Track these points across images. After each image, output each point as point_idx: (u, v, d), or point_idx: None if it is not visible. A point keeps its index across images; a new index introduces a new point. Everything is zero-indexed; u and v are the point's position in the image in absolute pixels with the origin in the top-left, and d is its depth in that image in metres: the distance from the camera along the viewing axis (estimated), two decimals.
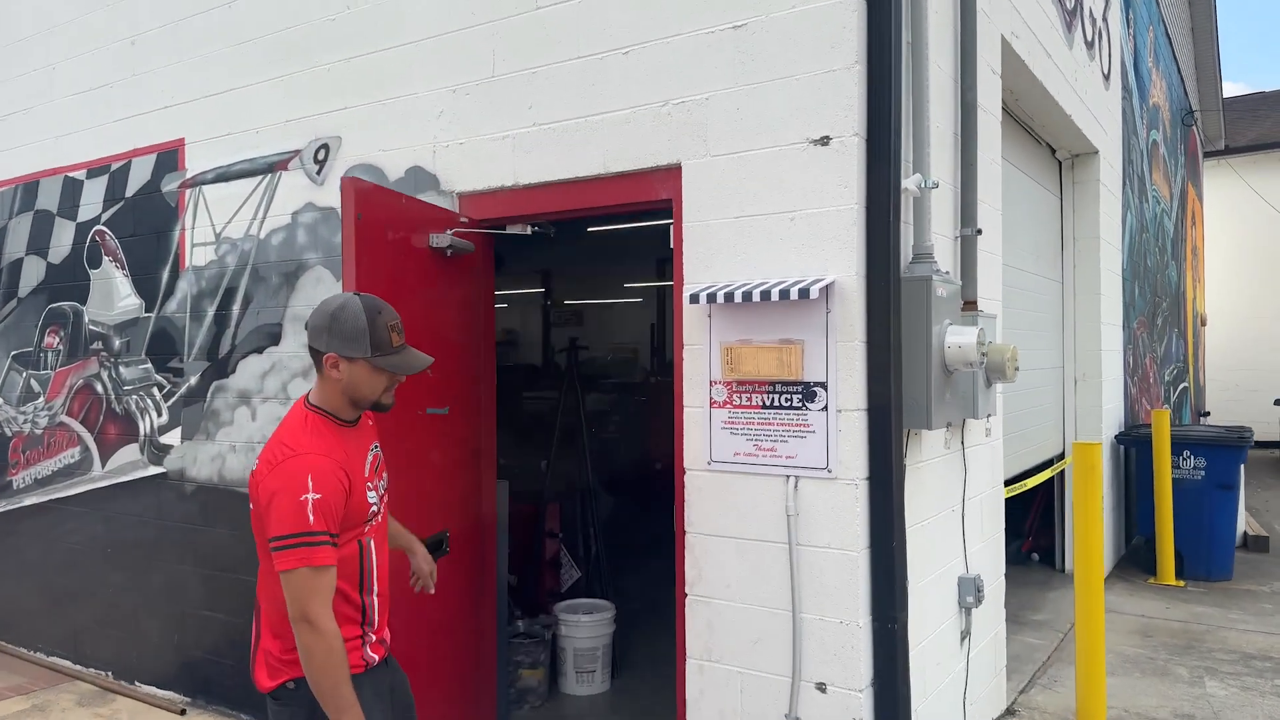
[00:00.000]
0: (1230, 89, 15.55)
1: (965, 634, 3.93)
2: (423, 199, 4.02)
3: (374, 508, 2.44)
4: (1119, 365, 7.95)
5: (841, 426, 3.02)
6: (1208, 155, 16.51)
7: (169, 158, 5.17)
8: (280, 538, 2.20)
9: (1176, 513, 7.24)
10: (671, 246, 3.45)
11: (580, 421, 5.72)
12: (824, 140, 3.07)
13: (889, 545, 3.03)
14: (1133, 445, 7.77)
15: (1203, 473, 7.34)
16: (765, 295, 3.00)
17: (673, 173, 3.41)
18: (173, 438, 5.12)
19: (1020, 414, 5.72)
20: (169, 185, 5.15)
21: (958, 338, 3.24)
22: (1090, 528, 4.30)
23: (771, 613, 3.15)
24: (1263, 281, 17.13)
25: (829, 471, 3.04)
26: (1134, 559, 7.84)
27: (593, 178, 3.60)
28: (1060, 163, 7.29)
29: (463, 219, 3.80)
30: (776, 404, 3.13)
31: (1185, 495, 7.32)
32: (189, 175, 5.06)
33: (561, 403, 5.78)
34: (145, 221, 5.29)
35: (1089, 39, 6.78)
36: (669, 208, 3.44)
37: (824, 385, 3.05)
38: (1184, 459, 7.41)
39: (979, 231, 3.92)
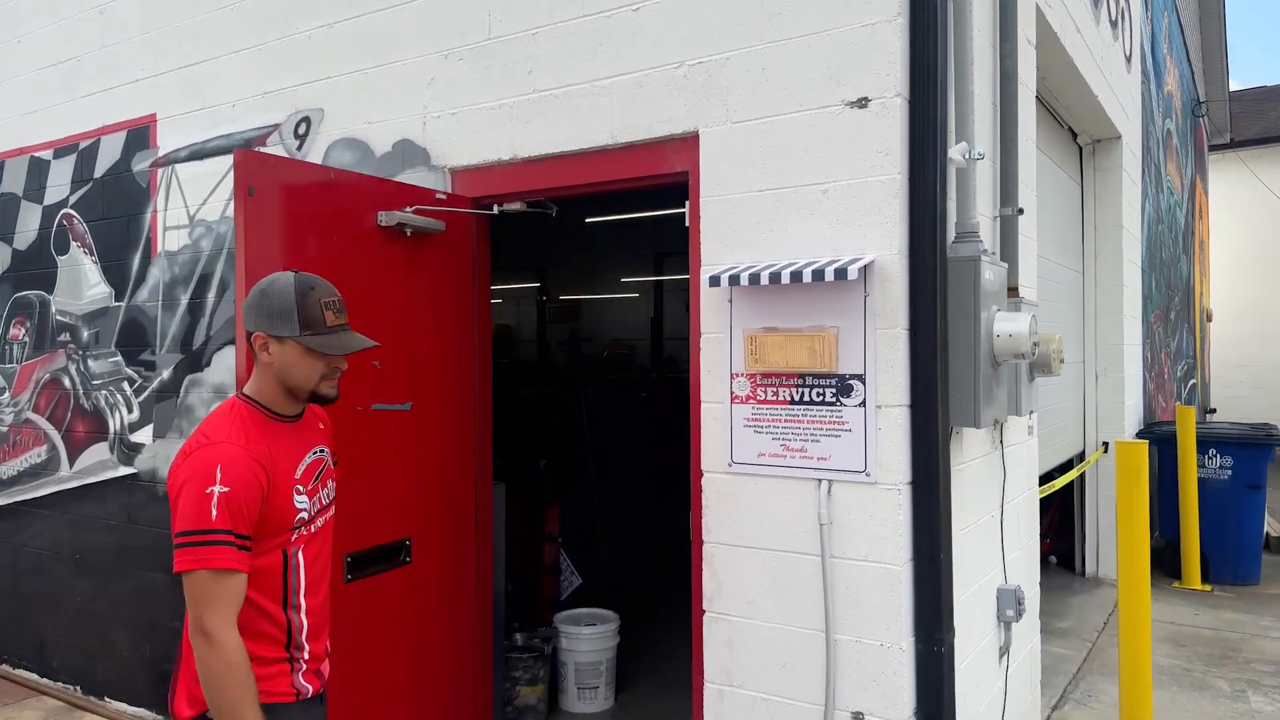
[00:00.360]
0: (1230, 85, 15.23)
1: (1004, 650, 3.61)
2: (411, 175, 3.68)
3: (303, 514, 2.16)
4: (1139, 360, 7.65)
5: (881, 424, 2.69)
6: (1213, 148, 16.26)
7: (140, 135, 4.81)
8: (180, 534, 1.96)
9: (1201, 514, 6.94)
10: (687, 225, 3.11)
11: (582, 419, 5.38)
12: (862, 102, 2.74)
13: (934, 558, 2.70)
14: (1154, 443, 7.44)
15: (1229, 472, 7.04)
16: (796, 277, 2.66)
17: (689, 142, 3.07)
18: (144, 436, 4.77)
19: (1041, 411, 5.40)
20: (140, 164, 4.80)
21: (1008, 326, 2.91)
22: (1135, 534, 3.98)
23: (801, 633, 2.81)
24: (1268, 277, 16.87)
25: (867, 475, 2.70)
26: (1156, 562, 7.51)
27: (599, 149, 3.26)
28: (1081, 148, 6.97)
29: (439, 194, 3.43)
30: (807, 399, 2.80)
31: (1210, 495, 7.02)
32: (161, 153, 4.71)
33: (562, 399, 5.44)
34: (115, 204, 4.93)
35: (1113, 18, 6.47)
36: (684, 181, 3.11)
37: (861, 378, 2.71)
38: (1209, 458, 7.11)
39: (1020, 211, 3.59)
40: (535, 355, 17.47)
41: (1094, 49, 5.63)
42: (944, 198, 2.73)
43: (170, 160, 4.66)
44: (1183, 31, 11.70)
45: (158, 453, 4.69)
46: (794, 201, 2.84)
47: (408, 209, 3.24)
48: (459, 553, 3.55)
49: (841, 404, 2.74)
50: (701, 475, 3.02)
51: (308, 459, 2.21)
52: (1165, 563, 7.28)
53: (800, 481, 2.82)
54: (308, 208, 2.97)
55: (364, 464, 3.13)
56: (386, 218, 3.17)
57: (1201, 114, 12.85)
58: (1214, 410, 14.93)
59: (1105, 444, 7.05)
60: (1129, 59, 7.17)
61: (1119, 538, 4.05)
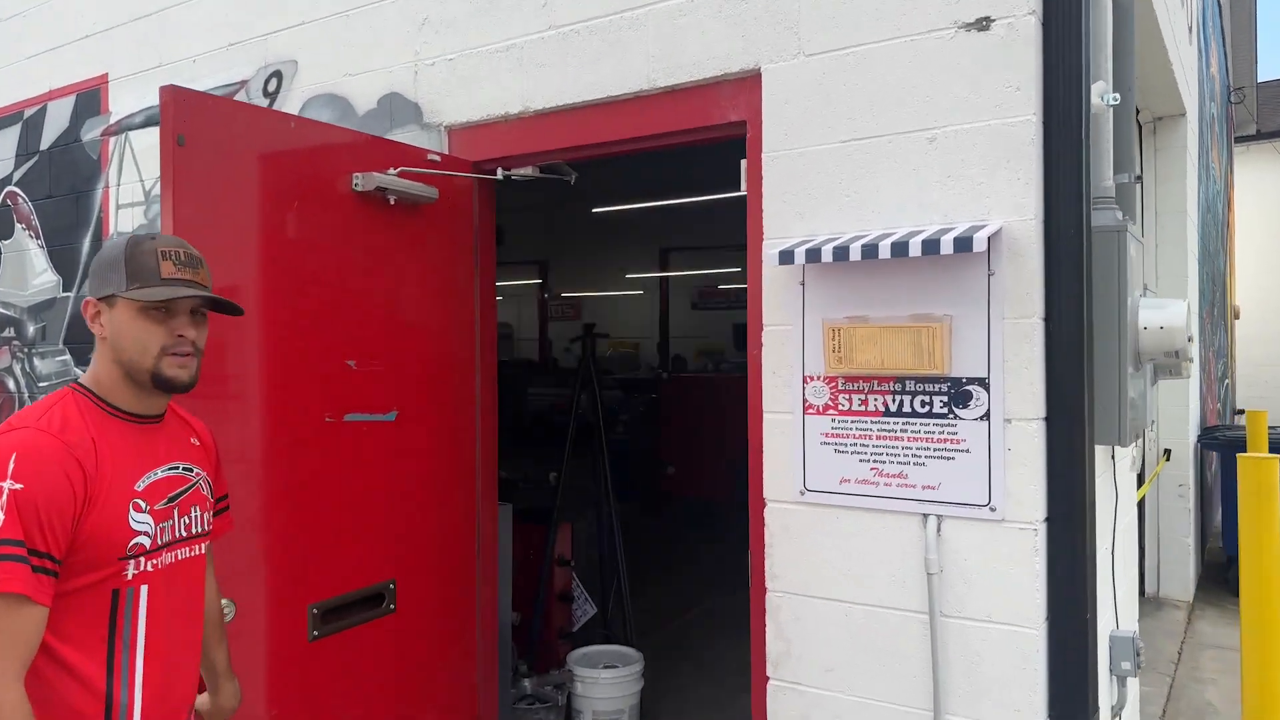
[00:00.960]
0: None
1: (1117, 711, 2.98)
2: (401, 135, 3.05)
3: (141, 539, 1.56)
4: (1198, 360, 7.04)
5: (1011, 443, 2.06)
6: (1239, 139, 15.69)
7: (90, 99, 4.18)
8: None
9: None
10: (744, 190, 2.48)
11: (598, 425, 4.75)
12: (982, 23, 2.10)
13: (1079, 617, 2.07)
14: (1218, 449, 6.83)
15: None
16: (899, 250, 2.03)
17: (747, 83, 2.43)
18: None
19: None
20: (90, 133, 4.17)
21: (1159, 316, 2.28)
22: (1266, 564, 3.36)
23: (900, 711, 2.18)
24: None
25: (991, 509, 2.07)
26: (1214, 579, 6.92)
27: (632, 97, 2.62)
28: (1140, 125, 6.34)
29: (432, 155, 2.80)
30: (908, 409, 2.16)
31: None
32: (113, 120, 4.08)
33: (574, 404, 4.81)
34: (63, 179, 4.30)
35: None
36: (740, 135, 2.47)
37: (983, 383, 2.08)
38: None
39: (1138, 178, 2.96)
40: (534, 353, 16.88)
41: (1170, 10, 5.01)
42: (1090, 147, 2.10)
43: (123, 127, 4.03)
44: (1221, 14, 11.13)
45: None
46: (888, 154, 2.21)
47: (391, 171, 2.60)
48: (456, 595, 2.91)
49: (956, 416, 2.11)
50: (763, 505, 2.39)
51: (159, 472, 1.62)
52: (1231, 580, 6.67)
53: (898, 516, 2.18)
54: (260, 165, 2.34)
55: (334, 491, 2.50)
56: (363, 180, 2.54)
57: (1239, 100, 12.24)
58: (1242, 411, 14.35)
59: (1168, 451, 6.43)
60: (1190, 30, 6.55)
61: (1242, 569, 3.43)
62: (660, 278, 15.64)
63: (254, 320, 2.31)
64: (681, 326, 15.72)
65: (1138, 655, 2.97)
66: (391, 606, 2.64)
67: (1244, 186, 16.18)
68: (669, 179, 8.26)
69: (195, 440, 1.77)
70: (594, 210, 9.89)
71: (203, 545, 1.71)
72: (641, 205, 9.47)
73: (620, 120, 2.65)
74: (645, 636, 4.82)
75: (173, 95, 2.18)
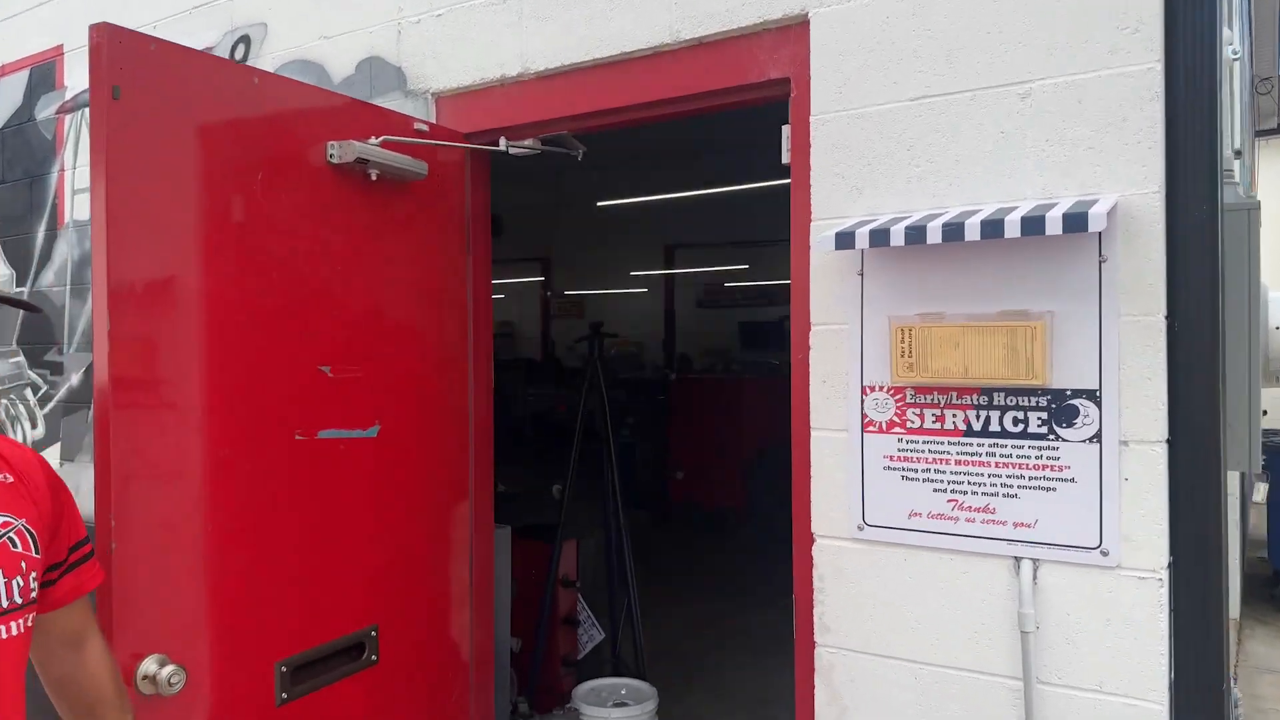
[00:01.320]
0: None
1: None
2: (383, 104, 2.65)
3: None
4: None
5: (1129, 471, 1.66)
6: (1260, 133, 15.28)
7: (45, 73, 3.78)
8: None
9: None
10: (785, 160, 2.08)
11: (607, 433, 4.36)
12: None
13: (1214, 687, 1.67)
14: (1265, 454, 6.42)
15: None
16: (991, 229, 1.63)
17: (791, 32, 2.03)
18: (50, 457, 3.74)
19: None
20: (44, 111, 3.77)
21: None
22: None
23: None
24: None
25: (1103, 553, 1.67)
26: (1259, 595, 6.52)
27: (651, 52, 2.22)
28: None
29: (419, 124, 2.39)
30: (996, 428, 1.76)
31: None
32: (69, 96, 3.68)
33: (580, 409, 4.41)
34: (16, 162, 3.90)
35: None
36: (784, 94, 2.07)
37: (1093, 396, 1.68)
38: None
39: (1238, 154, 2.57)
40: (535, 352, 16.51)
41: None
42: (1221, 104, 1.70)
43: (79, 104, 3.63)
44: (1250, 3, 10.73)
45: (66, 478, 3.66)
46: (970, 114, 1.80)
47: (373, 140, 2.20)
48: (447, 641, 2.51)
49: (1058, 437, 1.70)
50: (811, 541, 1.99)
51: None
52: (1273, 596, 6.30)
53: (983, 559, 1.78)
54: (215, 127, 1.93)
55: (306, 522, 2.10)
56: (340, 150, 2.13)
57: (1268, 90, 11.81)
58: (1264, 413, 13.97)
59: None
60: (1233, 10, 6.14)
61: None
62: (665, 275, 15.26)
63: (199, 315, 1.91)
64: (687, 325, 15.34)
65: (1236, 708, 2.58)
66: (374, 657, 2.24)
67: (1263, 181, 15.80)
68: (677, 173, 7.90)
69: (6, 477, 1.32)
70: (599, 204, 9.51)
71: (19, 622, 1.26)
72: (647, 199, 9.09)
73: (637, 81, 2.24)
74: (657, 660, 4.43)
75: (107, 35, 1.76)
